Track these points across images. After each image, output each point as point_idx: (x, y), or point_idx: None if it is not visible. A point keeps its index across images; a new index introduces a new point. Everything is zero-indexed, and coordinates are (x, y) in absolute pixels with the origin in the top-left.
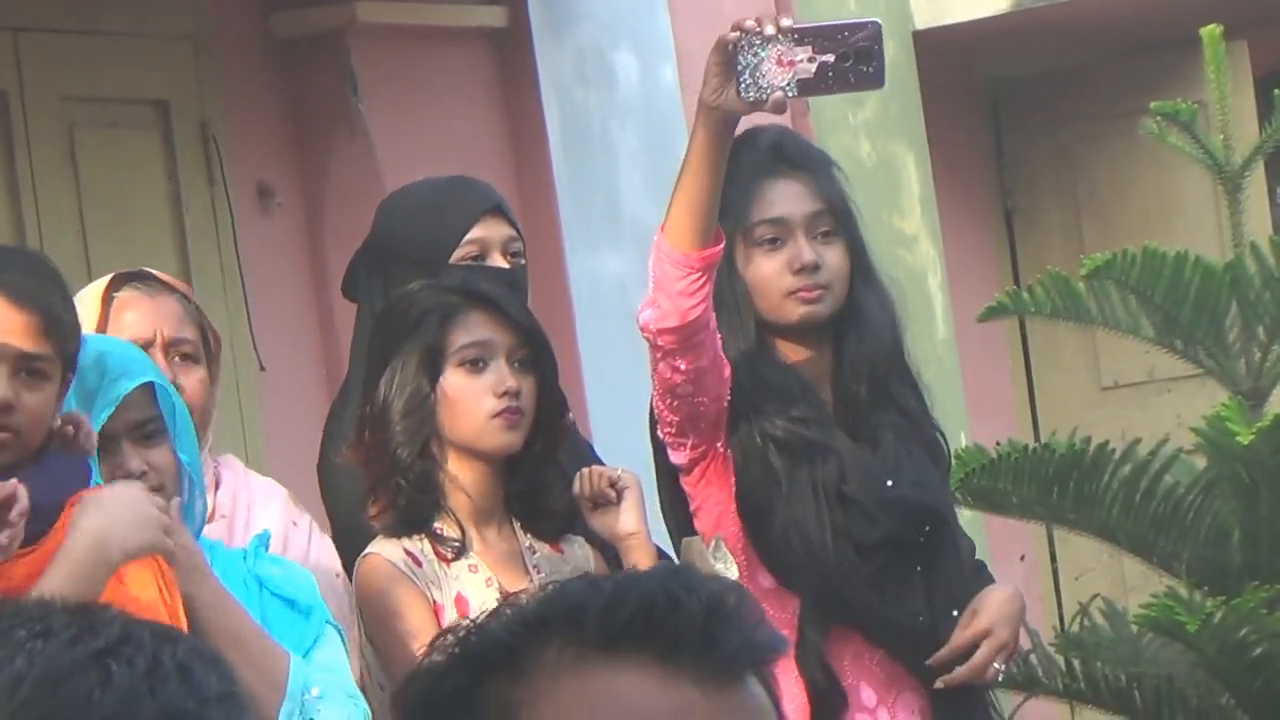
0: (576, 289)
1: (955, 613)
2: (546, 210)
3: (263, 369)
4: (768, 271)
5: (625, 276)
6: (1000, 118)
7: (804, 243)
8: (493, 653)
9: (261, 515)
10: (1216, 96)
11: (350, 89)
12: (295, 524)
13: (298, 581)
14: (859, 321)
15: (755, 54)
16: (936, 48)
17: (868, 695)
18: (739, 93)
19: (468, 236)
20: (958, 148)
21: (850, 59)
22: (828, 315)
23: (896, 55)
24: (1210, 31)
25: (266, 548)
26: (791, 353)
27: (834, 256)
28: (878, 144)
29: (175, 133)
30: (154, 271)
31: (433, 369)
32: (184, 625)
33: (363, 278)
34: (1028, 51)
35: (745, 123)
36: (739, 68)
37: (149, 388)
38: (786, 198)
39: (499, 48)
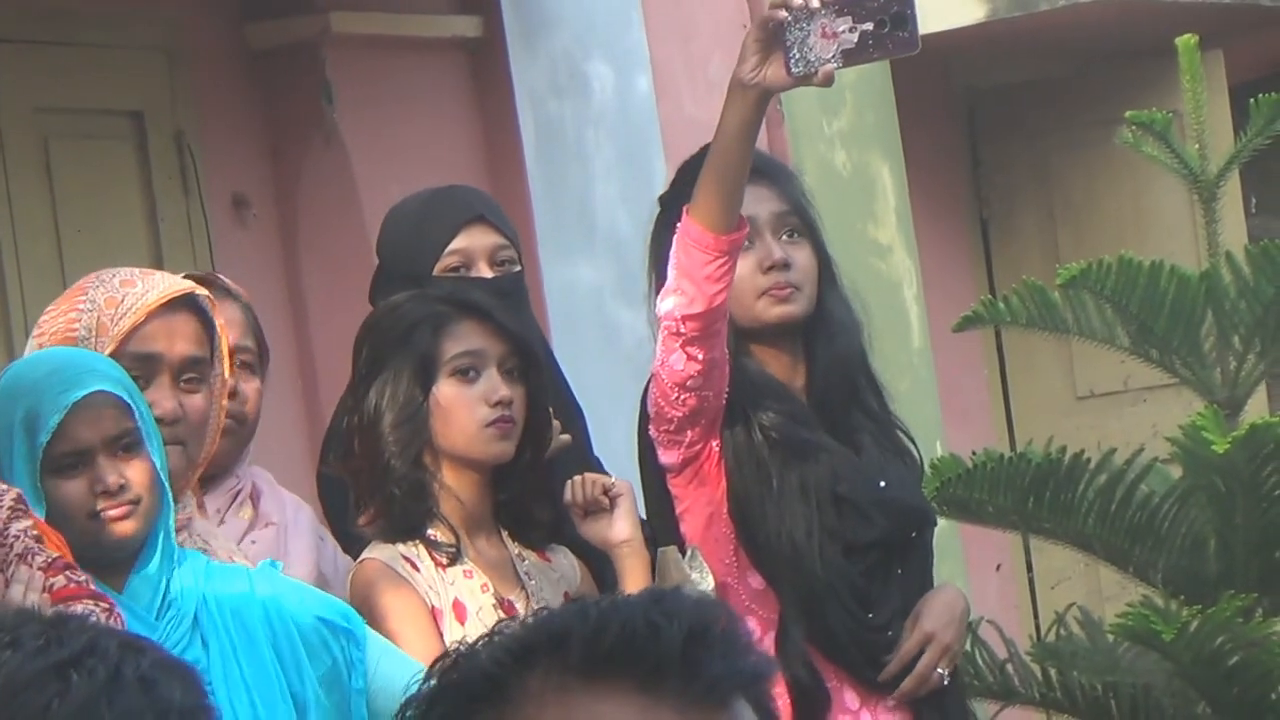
0: (551, 298)
1: None
2: (521, 220)
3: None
4: (739, 272)
5: (600, 286)
6: (976, 127)
7: (772, 241)
8: (479, 682)
9: (294, 529)
10: (1192, 106)
11: (325, 99)
12: (323, 538)
13: (329, 604)
14: (829, 325)
15: (802, 28)
16: (912, 57)
17: (850, 698)
18: (787, 68)
19: (450, 247)
20: (933, 157)
21: (887, 25)
22: (801, 316)
23: (873, 65)
24: (1185, 41)
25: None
26: (765, 358)
27: (803, 256)
28: (853, 153)
29: (150, 143)
30: (220, 277)
31: (425, 379)
32: None
33: (375, 294)
34: (1003, 61)
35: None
36: (787, 43)
37: (121, 401)
38: (753, 200)
39: (473, 57)
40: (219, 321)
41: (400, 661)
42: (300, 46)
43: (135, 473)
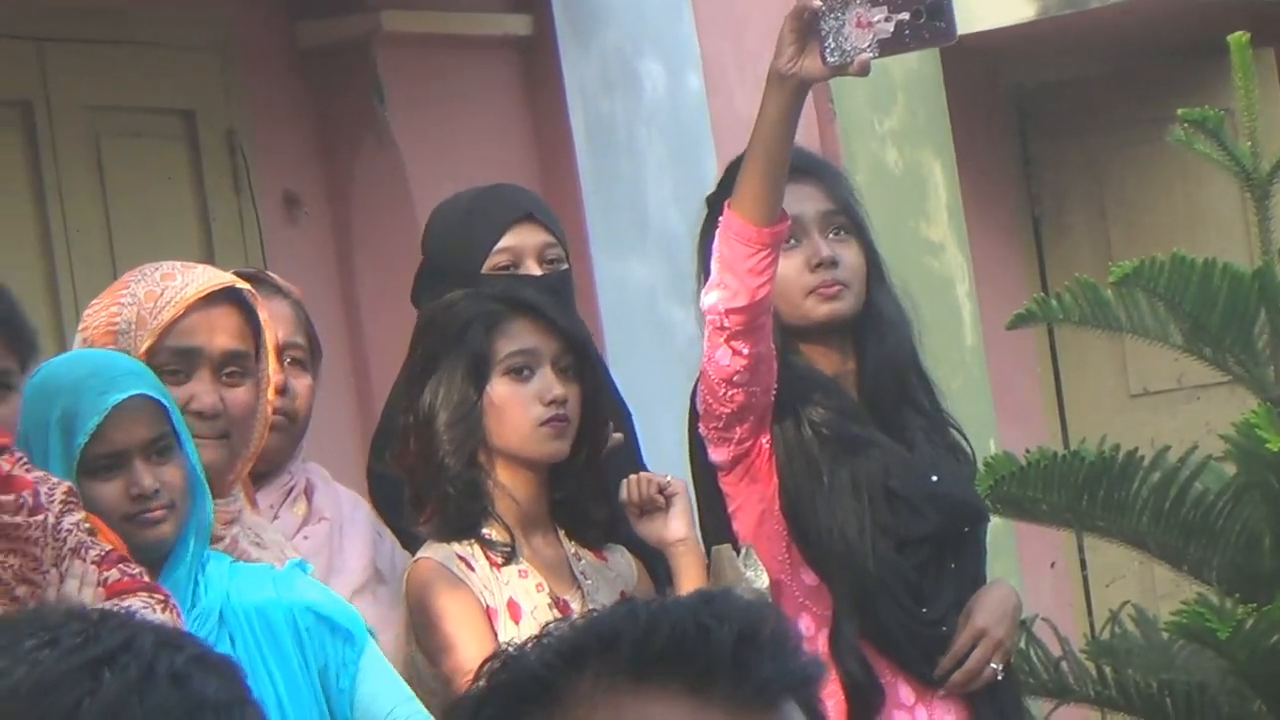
0: (603, 297)
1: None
2: (573, 218)
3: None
4: (786, 271)
5: (652, 284)
6: (1027, 125)
7: (820, 240)
8: (529, 684)
9: (350, 525)
10: (1244, 103)
11: (376, 97)
12: (380, 534)
13: (338, 605)
14: (878, 323)
15: (837, 18)
16: (963, 56)
17: (905, 693)
18: (823, 58)
19: (498, 246)
20: (985, 155)
21: (923, 15)
22: (849, 314)
23: (923, 63)
24: (1238, 39)
25: (305, 573)
26: (814, 356)
27: (850, 254)
28: (905, 152)
29: (201, 142)
30: (270, 274)
31: (479, 378)
32: None
33: (421, 292)
34: (1055, 59)
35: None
36: (822, 33)
37: (157, 404)
38: (799, 198)
39: (524, 55)
40: (263, 315)
41: (391, 684)
42: (351, 45)
43: (170, 476)
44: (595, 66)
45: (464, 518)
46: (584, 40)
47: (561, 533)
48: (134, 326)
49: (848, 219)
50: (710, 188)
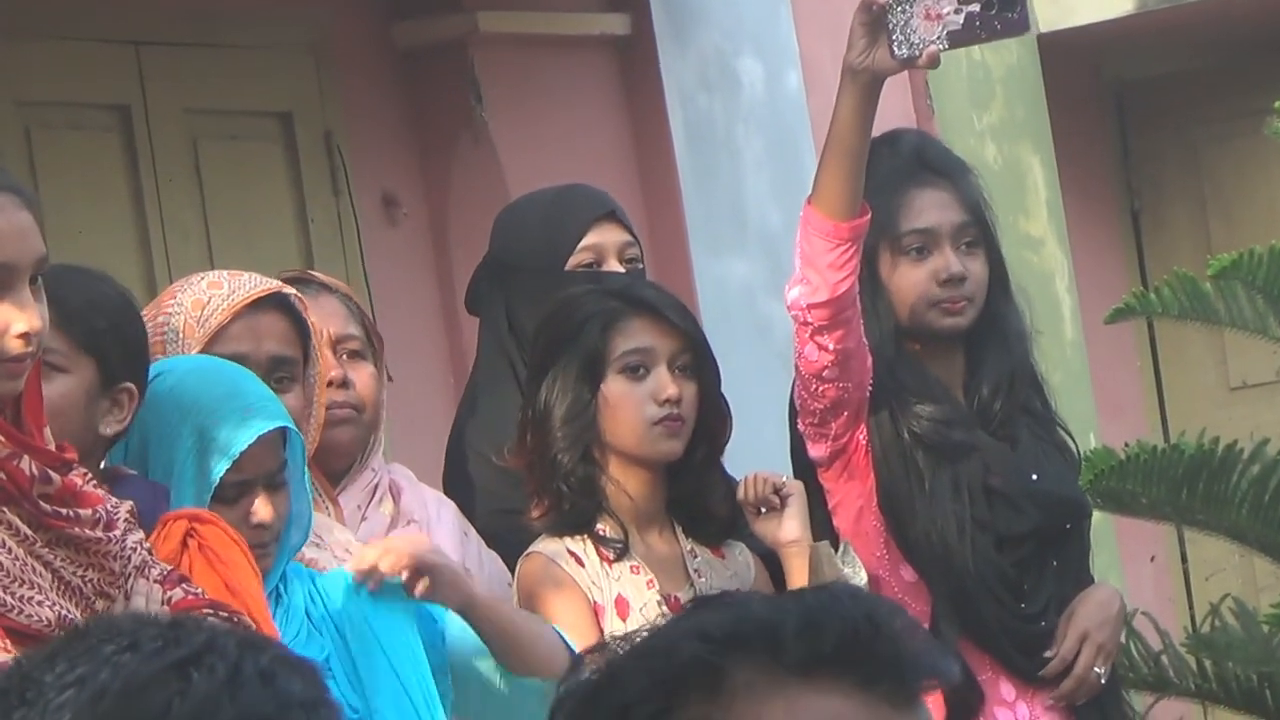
0: (703, 295)
1: None
2: (672, 216)
3: (390, 379)
4: (914, 280)
5: (752, 282)
6: (1125, 119)
7: (951, 254)
8: (688, 671)
9: (438, 525)
10: None
11: (473, 98)
12: (466, 534)
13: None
14: (1002, 335)
15: (904, 10)
16: (1061, 50)
17: (1006, 689)
18: (891, 51)
19: (583, 243)
20: (1084, 150)
21: (994, 6)
22: (968, 327)
23: (1022, 58)
24: None
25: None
26: (925, 356)
27: (977, 268)
28: (1004, 147)
29: (299, 144)
30: (314, 273)
31: (594, 375)
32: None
33: (484, 292)
34: (1153, 52)
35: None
36: (889, 26)
37: (279, 433)
38: (933, 206)
39: (622, 55)
40: (311, 320)
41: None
42: (448, 45)
43: (282, 508)
44: (694, 65)
45: (578, 514)
46: (683, 39)
47: (679, 529)
48: (181, 335)
49: (979, 230)
50: (809, 186)
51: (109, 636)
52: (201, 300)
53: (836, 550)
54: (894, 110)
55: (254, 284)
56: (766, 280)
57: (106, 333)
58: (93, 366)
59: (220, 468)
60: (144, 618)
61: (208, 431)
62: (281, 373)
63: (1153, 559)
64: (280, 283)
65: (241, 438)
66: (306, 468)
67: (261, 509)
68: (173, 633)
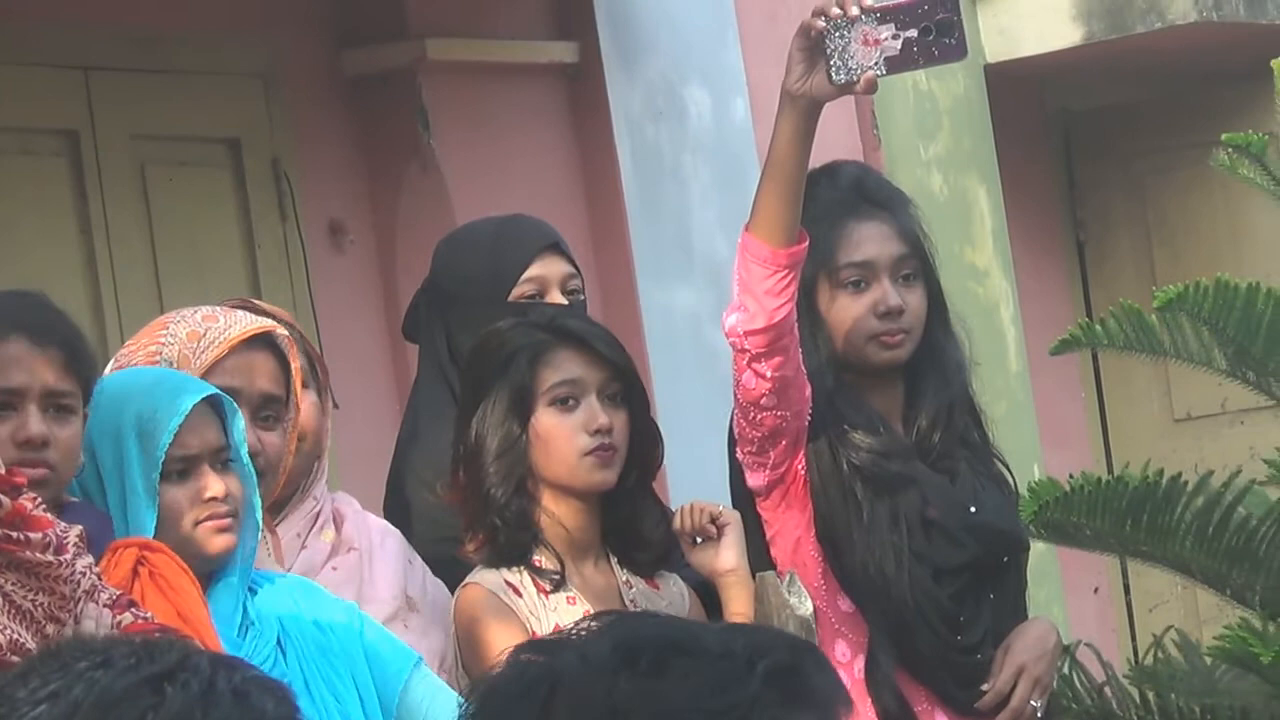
0: (649, 323)
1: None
2: (619, 244)
3: (336, 406)
4: (852, 313)
5: (698, 310)
6: (1071, 150)
7: (889, 287)
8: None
9: (380, 553)
10: None
11: (421, 125)
12: (411, 561)
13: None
14: (941, 367)
15: (842, 36)
16: (1008, 81)
17: None
18: (829, 77)
19: (526, 274)
20: (1029, 180)
21: (932, 33)
22: (906, 359)
23: (968, 89)
24: None
25: None
26: (863, 387)
27: (915, 300)
28: (950, 177)
29: (247, 170)
30: (256, 301)
31: (524, 409)
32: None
33: (423, 319)
34: (1098, 84)
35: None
36: (827, 51)
37: (219, 417)
38: (872, 239)
39: (570, 83)
40: (294, 364)
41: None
42: (397, 73)
43: (234, 488)
44: (641, 94)
45: (513, 547)
46: (630, 67)
47: (614, 560)
48: (176, 365)
49: (918, 262)
50: None
51: (82, 653)
52: (198, 332)
53: (783, 581)
54: (841, 140)
55: (249, 321)
56: (713, 309)
57: (92, 369)
58: (82, 402)
59: (164, 442)
60: (117, 636)
61: (144, 413)
62: (268, 411)
63: (1096, 590)
64: (273, 322)
65: (180, 407)
66: (248, 455)
67: (214, 484)
68: (146, 650)
